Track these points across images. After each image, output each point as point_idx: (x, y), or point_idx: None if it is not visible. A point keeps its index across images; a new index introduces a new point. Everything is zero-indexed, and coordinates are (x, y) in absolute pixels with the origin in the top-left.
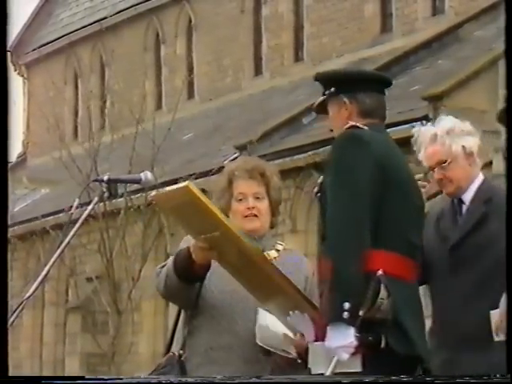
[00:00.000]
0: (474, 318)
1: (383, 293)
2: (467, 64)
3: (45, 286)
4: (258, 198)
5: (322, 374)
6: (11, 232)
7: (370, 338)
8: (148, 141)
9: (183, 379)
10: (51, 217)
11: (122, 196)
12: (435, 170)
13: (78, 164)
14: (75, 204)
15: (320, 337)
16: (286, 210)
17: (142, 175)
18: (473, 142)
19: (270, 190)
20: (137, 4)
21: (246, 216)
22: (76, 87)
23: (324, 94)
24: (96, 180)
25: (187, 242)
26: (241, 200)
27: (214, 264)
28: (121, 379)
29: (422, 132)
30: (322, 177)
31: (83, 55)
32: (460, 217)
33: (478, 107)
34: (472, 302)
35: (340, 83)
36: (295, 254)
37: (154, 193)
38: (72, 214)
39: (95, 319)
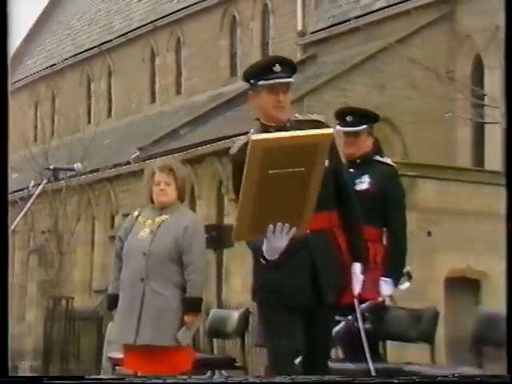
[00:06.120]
0: None
1: None
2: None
3: (14, 236)
4: (168, 183)
5: None
6: None
7: None
8: (80, 145)
9: (184, 378)
10: (18, 192)
11: (63, 179)
12: None
13: (36, 159)
14: (31, 184)
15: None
16: None
17: (75, 165)
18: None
19: (176, 180)
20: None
21: (158, 193)
22: (36, 110)
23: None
24: (46, 168)
25: None
26: (157, 184)
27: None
28: (122, 379)
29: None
30: (367, 177)
31: (41, 90)
32: None
33: None
34: None
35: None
36: (183, 217)
37: (257, 136)
38: (29, 190)
39: (47, 258)
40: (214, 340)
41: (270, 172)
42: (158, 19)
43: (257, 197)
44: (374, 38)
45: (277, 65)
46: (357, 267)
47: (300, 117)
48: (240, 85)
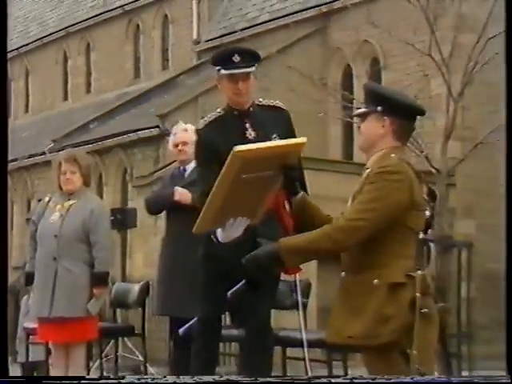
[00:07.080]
0: None
1: None
2: (183, 98)
3: None
4: (73, 172)
5: None
6: None
7: None
8: None
9: (183, 380)
10: None
11: None
12: (179, 145)
13: None
14: None
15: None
16: None
17: None
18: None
19: (80, 168)
20: None
21: (65, 182)
22: None
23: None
24: None
25: None
26: (64, 174)
27: None
28: (122, 378)
29: (177, 127)
30: None
31: None
32: (183, 178)
33: (193, 122)
34: None
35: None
36: (89, 201)
37: (240, 148)
38: None
39: None
40: (118, 310)
41: (244, 176)
42: (69, 26)
43: (225, 196)
44: (258, 47)
45: (236, 55)
46: None
47: (263, 102)
48: (143, 85)
